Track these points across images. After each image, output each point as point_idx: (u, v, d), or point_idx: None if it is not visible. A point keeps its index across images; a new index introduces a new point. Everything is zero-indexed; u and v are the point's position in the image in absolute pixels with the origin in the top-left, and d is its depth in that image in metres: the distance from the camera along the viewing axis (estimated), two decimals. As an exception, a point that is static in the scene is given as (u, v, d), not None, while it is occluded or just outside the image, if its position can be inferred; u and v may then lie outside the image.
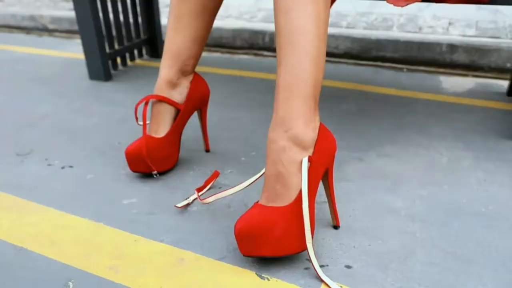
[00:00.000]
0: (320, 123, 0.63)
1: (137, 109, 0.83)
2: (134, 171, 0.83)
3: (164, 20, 2.00)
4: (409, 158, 0.91)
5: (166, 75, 0.82)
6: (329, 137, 0.63)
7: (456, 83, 1.35)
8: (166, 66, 0.82)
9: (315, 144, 0.61)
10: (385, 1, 1.50)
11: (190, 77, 0.86)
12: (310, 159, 0.59)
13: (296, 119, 0.59)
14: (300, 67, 0.58)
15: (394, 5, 0.72)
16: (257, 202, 0.62)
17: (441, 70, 1.54)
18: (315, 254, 0.64)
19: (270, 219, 0.58)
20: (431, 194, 0.79)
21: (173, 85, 0.83)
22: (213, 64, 1.58)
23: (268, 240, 0.58)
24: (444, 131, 1.03)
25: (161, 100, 0.82)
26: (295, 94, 0.59)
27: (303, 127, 0.59)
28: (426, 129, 1.04)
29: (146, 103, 0.82)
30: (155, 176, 0.85)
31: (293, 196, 0.59)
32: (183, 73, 0.84)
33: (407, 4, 0.71)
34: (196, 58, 0.84)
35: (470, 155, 0.92)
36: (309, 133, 0.60)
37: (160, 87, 0.83)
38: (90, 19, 1.30)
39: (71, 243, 0.68)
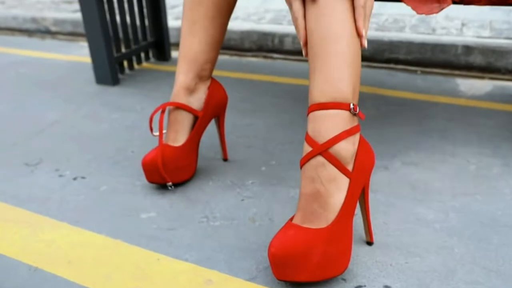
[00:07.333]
0: (360, 135, 0.58)
1: (152, 119, 0.79)
2: (150, 181, 0.79)
3: (171, 22, 1.96)
4: (435, 166, 0.87)
5: (183, 81, 0.79)
6: (368, 151, 0.59)
7: (473, 86, 1.32)
8: (183, 72, 0.79)
9: (355, 159, 0.57)
10: (396, 2, 1.47)
11: (208, 83, 0.82)
12: (350, 177, 0.56)
13: (335, 133, 0.55)
14: (336, 75, 0.54)
15: (426, 14, 0.67)
16: (291, 220, 0.58)
17: (456, 72, 1.50)
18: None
19: (307, 243, 0.54)
20: (464, 206, 0.75)
21: (190, 91, 0.79)
22: (222, 67, 1.54)
23: (305, 265, 0.54)
24: (468, 136, 0.99)
25: (179, 107, 0.78)
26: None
27: (344, 141, 0.55)
28: (449, 135, 1.00)
29: (163, 111, 0.79)
30: (170, 188, 0.81)
31: (331, 218, 0.55)
32: (200, 78, 0.80)
33: (441, 10, 0.67)
34: (213, 63, 0.81)
35: (498, 162, 0.88)
36: (350, 148, 0.56)
37: (177, 94, 0.79)
38: (97, 21, 1.26)
39: (89, 263, 0.64)
